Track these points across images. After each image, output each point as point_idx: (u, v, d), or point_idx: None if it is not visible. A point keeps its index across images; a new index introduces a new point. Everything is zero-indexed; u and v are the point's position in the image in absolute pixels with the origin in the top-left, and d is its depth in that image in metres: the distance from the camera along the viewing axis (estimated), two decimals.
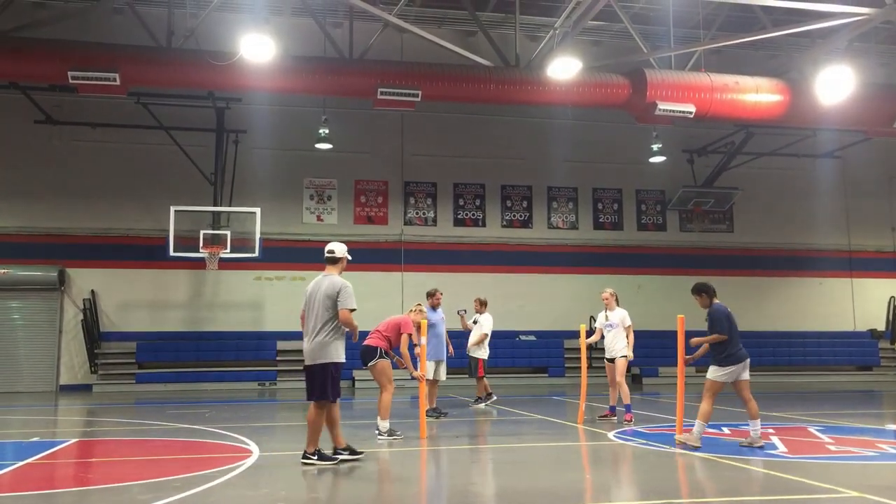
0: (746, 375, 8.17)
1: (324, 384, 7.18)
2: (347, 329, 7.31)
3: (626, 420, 10.38)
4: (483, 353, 13.09)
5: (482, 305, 13.35)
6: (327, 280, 7.36)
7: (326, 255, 7.56)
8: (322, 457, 7.23)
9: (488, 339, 13.10)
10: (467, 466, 7.59)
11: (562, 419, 11.35)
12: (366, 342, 9.09)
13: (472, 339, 13.10)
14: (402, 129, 20.71)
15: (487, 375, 13.50)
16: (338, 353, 7.28)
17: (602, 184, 22.04)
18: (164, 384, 18.25)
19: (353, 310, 7.21)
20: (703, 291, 8.37)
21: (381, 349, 9.00)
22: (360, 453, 7.53)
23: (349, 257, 7.62)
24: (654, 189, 22.30)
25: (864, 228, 23.20)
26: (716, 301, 8.30)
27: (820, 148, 22.43)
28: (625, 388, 10.66)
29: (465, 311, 13.54)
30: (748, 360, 8.16)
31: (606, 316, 10.94)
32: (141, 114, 18.23)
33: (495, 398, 13.46)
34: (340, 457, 7.36)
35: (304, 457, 7.22)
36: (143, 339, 18.89)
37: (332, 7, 17.74)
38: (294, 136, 19.76)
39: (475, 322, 13.26)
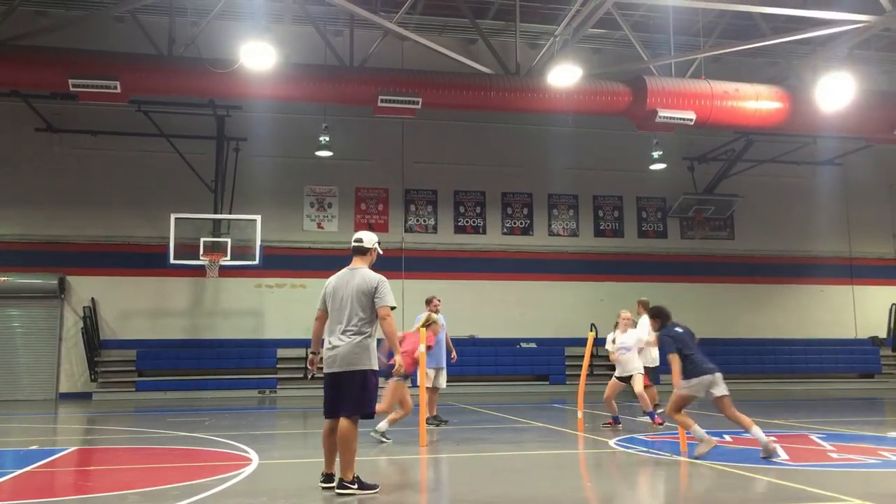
0: (722, 390, 7.75)
1: (362, 396, 6.10)
2: (384, 335, 6.31)
3: (657, 424, 10.53)
4: (644, 360, 11.37)
5: (644, 308, 11.55)
6: (359, 274, 6.38)
7: (354, 244, 6.59)
8: (362, 485, 6.10)
9: (645, 344, 11.07)
10: (467, 474, 7.55)
11: (563, 427, 11.31)
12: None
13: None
14: (403, 136, 20.72)
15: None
16: (377, 359, 6.27)
17: (602, 191, 22.04)
18: (164, 392, 18.24)
19: (393, 307, 6.31)
20: (655, 316, 8.27)
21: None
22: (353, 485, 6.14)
23: (381, 251, 6.72)
24: (655, 196, 22.30)
25: (864, 235, 23.17)
26: (669, 324, 8.11)
27: (820, 155, 22.44)
28: (645, 398, 10.76)
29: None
30: (718, 375, 7.78)
31: (614, 339, 10.93)
32: (141, 121, 18.27)
33: (661, 411, 10.82)
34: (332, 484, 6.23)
35: (341, 486, 6.03)
36: (144, 346, 18.85)
37: (332, 15, 17.78)
38: (294, 144, 19.76)
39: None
